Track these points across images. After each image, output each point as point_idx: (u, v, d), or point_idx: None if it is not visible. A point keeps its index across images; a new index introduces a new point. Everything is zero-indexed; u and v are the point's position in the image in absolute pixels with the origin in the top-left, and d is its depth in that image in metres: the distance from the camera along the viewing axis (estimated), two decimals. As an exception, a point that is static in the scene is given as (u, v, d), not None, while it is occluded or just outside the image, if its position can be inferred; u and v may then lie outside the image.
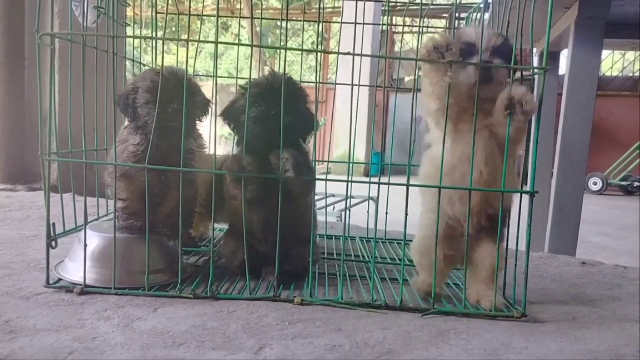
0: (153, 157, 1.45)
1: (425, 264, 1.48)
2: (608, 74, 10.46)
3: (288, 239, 1.49)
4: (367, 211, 2.11)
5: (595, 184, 8.62)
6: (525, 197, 1.39)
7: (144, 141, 1.52)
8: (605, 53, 9.72)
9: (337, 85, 2.19)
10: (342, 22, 2.15)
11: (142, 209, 1.51)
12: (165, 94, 1.43)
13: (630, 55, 10.43)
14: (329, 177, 1.95)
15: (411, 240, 1.55)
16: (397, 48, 10.55)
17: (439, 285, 1.48)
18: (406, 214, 1.42)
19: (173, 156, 1.49)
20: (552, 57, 3.59)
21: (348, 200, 1.77)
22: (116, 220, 1.52)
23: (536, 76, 1.42)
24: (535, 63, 3.50)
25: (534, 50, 3.50)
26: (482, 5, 1.99)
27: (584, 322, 1.38)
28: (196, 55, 1.64)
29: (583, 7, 2.49)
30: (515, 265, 1.44)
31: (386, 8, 2.25)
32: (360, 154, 9.14)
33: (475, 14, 2.08)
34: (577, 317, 1.41)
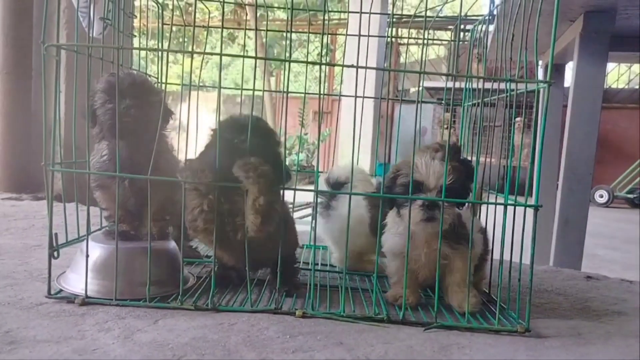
0: (120, 167, 1.47)
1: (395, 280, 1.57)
2: (614, 86, 10.43)
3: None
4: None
5: (601, 196, 8.57)
6: (530, 211, 1.38)
7: (108, 150, 1.55)
8: (611, 65, 9.70)
9: (342, 97, 2.19)
10: (347, 35, 2.15)
11: (126, 215, 1.60)
12: (118, 92, 1.44)
13: (637, 67, 10.41)
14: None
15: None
16: (402, 59, 10.58)
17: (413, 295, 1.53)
18: (409, 227, 1.42)
19: (139, 163, 1.48)
20: (557, 70, 3.59)
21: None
22: (109, 228, 1.57)
23: (541, 89, 1.42)
24: (541, 76, 3.50)
25: (540, 62, 3.50)
26: (487, 18, 1.99)
27: (589, 338, 1.36)
28: (202, 66, 1.64)
29: (588, 21, 2.49)
30: (519, 279, 1.43)
31: (391, 20, 2.26)
32: (365, 165, 9.12)
33: (480, 26, 2.08)
34: (582, 333, 1.40)
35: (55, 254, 1.44)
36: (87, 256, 1.43)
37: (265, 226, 1.38)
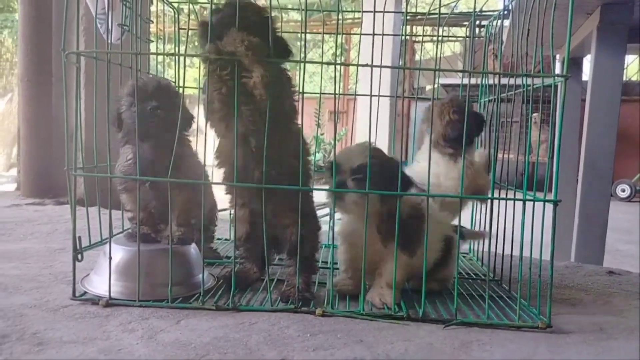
0: (143, 169, 1.50)
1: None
2: (634, 78, 10.24)
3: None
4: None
5: (623, 190, 8.44)
6: (549, 206, 1.37)
7: (132, 154, 1.58)
8: (631, 58, 9.53)
9: (357, 96, 2.20)
10: (361, 34, 2.16)
11: (148, 217, 1.63)
12: (145, 93, 1.47)
13: (657, 59, 10.19)
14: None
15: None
16: (417, 57, 10.52)
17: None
18: (427, 225, 1.42)
19: (162, 165, 1.49)
20: (575, 63, 3.55)
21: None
22: (131, 230, 1.62)
23: (558, 84, 1.41)
24: (558, 70, 3.47)
25: (557, 57, 3.47)
26: (502, 13, 1.98)
27: (611, 333, 1.35)
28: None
29: (605, 13, 2.46)
30: (540, 275, 1.42)
31: (404, 18, 2.26)
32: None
33: (495, 21, 2.07)
34: (604, 328, 1.38)
35: (79, 257, 1.47)
36: (110, 259, 1.45)
37: (268, 95, 1.40)
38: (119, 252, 1.50)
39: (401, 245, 1.42)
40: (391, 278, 1.45)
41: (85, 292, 1.49)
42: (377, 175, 1.40)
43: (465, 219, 1.91)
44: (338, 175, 1.43)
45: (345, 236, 1.55)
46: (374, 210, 1.43)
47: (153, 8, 2.20)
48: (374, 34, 1.89)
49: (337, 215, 1.82)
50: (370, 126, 1.51)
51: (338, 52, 1.76)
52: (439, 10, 1.59)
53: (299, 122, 1.52)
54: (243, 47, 1.36)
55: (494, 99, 1.84)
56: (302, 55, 1.49)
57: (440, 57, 1.98)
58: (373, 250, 1.45)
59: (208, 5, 1.44)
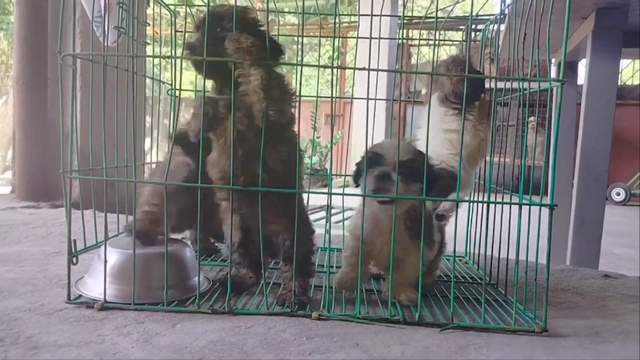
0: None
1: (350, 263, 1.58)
2: (629, 82, 10.28)
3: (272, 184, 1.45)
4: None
5: (618, 194, 8.46)
6: (545, 210, 1.37)
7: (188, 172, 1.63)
8: (626, 62, 9.58)
9: (354, 99, 2.21)
10: (358, 37, 2.16)
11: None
12: None
13: (653, 64, 10.23)
14: (345, 190, 1.94)
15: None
16: (414, 61, 10.55)
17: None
18: (423, 229, 1.42)
19: None
20: (570, 67, 3.56)
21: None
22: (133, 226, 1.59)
23: (554, 88, 1.41)
24: (554, 74, 3.48)
25: (552, 61, 3.48)
26: (499, 17, 1.99)
27: (607, 337, 1.35)
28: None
29: (600, 17, 2.48)
30: (536, 278, 1.42)
31: (401, 22, 2.26)
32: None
33: (492, 25, 2.08)
34: (599, 332, 1.39)
35: (74, 260, 1.47)
36: (105, 262, 1.45)
37: (266, 99, 1.38)
38: (114, 255, 1.50)
39: (426, 240, 1.45)
40: (414, 272, 1.50)
41: (80, 296, 1.48)
42: (420, 173, 1.41)
43: (461, 221, 1.91)
44: (380, 166, 1.42)
45: (357, 234, 1.51)
46: (407, 207, 1.46)
47: (149, 11, 2.20)
48: (370, 38, 1.90)
49: (334, 219, 1.82)
50: (367, 129, 1.51)
51: (335, 56, 1.76)
52: (436, 14, 1.59)
53: (295, 128, 1.52)
54: (246, 44, 1.36)
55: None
56: (299, 58, 1.49)
57: (437, 60, 1.99)
58: (396, 246, 1.44)
59: (204, 8, 1.44)
